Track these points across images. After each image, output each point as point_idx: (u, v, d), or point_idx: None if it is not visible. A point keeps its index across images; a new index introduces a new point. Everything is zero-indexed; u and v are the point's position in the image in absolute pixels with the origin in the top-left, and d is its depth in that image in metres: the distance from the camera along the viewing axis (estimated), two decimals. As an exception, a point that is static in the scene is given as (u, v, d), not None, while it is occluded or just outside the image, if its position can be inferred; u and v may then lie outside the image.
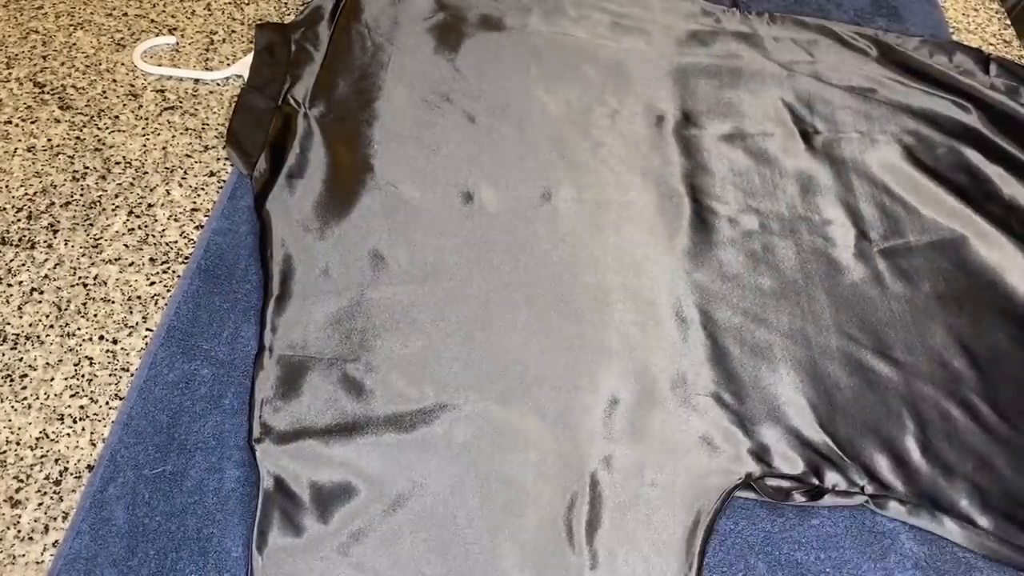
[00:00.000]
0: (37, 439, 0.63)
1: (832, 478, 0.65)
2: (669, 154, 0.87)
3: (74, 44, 0.92)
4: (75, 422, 0.64)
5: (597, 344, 0.71)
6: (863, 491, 0.64)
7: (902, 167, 0.89)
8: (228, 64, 0.93)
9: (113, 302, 0.71)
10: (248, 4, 1.00)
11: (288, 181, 0.79)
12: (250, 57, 0.91)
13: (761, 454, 0.65)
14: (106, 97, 0.87)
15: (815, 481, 0.64)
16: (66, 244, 0.74)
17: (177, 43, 0.94)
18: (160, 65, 0.92)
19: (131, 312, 0.71)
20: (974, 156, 0.91)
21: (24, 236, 0.75)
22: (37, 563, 0.57)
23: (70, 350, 0.68)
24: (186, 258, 0.75)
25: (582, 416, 0.66)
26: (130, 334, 0.69)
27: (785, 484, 0.65)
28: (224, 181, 0.81)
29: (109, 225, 0.76)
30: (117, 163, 0.81)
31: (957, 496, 0.65)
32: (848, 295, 0.77)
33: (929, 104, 0.96)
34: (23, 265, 0.73)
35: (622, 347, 0.71)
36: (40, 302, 0.70)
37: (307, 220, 0.76)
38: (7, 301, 0.70)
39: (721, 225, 0.81)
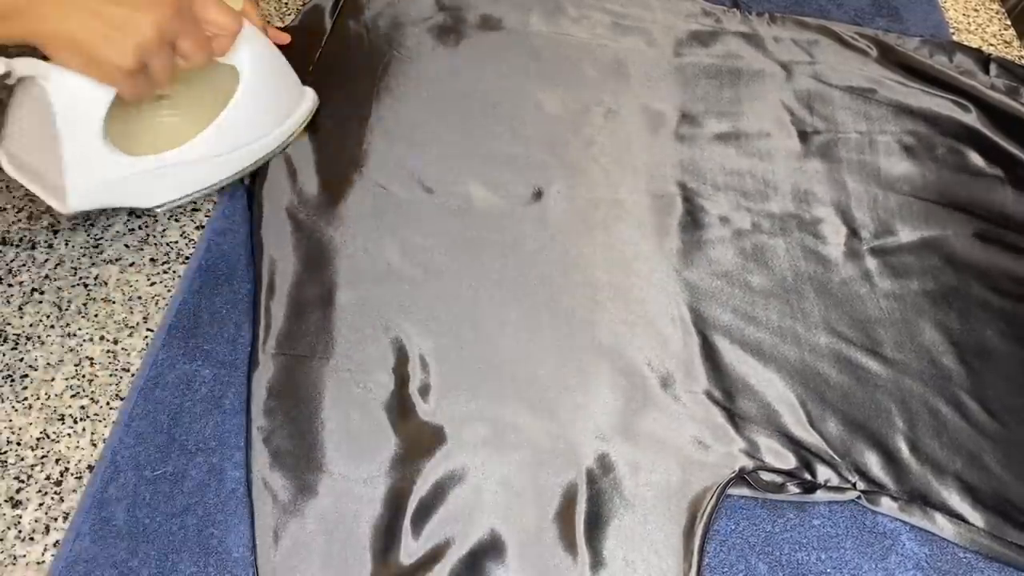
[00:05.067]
0: (38, 439, 0.62)
1: (824, 474, 0.65)
2: (663, 153, 0.88)
3: (74, 44, 0.92)
4: (76, 422, 0.64)
5: (587, 343, 0.71)
6: (855, 487, 0.65)
7: (899, 167, 0.90)
8: (228, 64, 0.92)
9: (114, 302, 0.71)
10: (248, 4, 1.00)
11: (280, 178, 0.79)
12: None
13: (752, 452, 0.66)
14: (106, 97, 0.87)
15: (807, 476, 0.65)
16: (67, 244, 0.74)
17: None
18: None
19: (132, 312, 0.70)
20: (973, 156, 0.91)
21: (24, 236, 0.74)
22: (38, 563, 0.57)
23: (71, 350, 0.67)
24: (187, 258, 0.75)
25: (574, 415, 0.66)
26: (131, 334, 0.69)
27: (778, 478, 0.65)
28: (225, 181, 0.81)
29: (110, 225, 0.76)
30: (117, 163, 0.81)
31: (948, 493, 0.66)
32: (838, 293, 0.78)
33: (929, 104, 0.96)
34: (24, 265, 0.72)
35: (612, 346, 0.71)
36: (41, 302, 0.70)
37: (297, 217, 0.76)
38: (8, 301, 0.70)
39: (712, 224, 0.82)
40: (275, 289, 0.71)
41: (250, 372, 0.66)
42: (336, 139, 0.83)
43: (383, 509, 0.60)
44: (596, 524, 0.61)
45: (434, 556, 0.58)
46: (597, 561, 0.59)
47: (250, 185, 0.79)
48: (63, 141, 0.61)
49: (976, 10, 1.17)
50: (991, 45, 1.11)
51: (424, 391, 0.66)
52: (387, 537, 0.59)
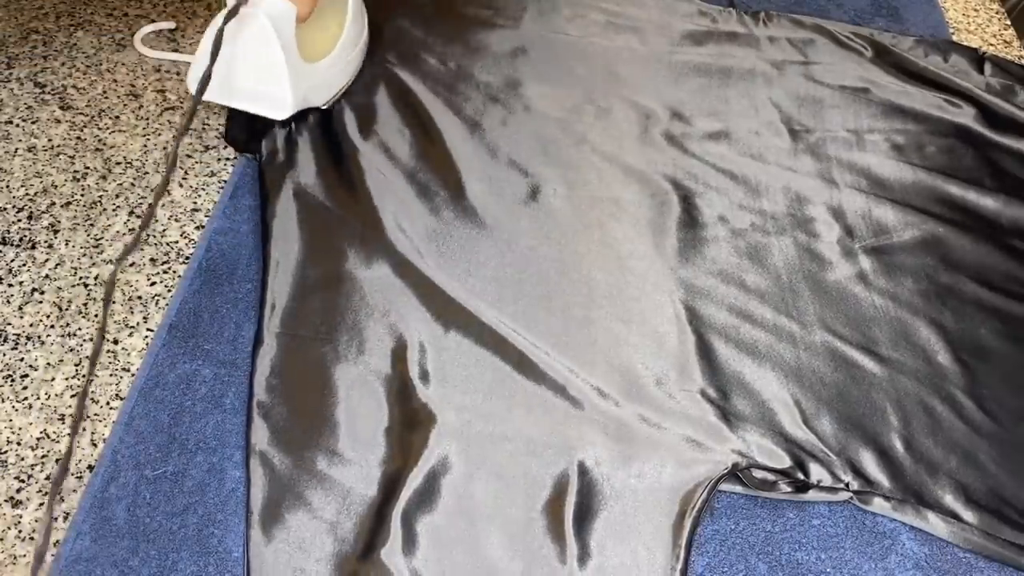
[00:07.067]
0: (38, 439, 0.63)
1: (817, 473, 0.65)
2: (657, 152, 0.88)
3: (75, 44, 0.92)
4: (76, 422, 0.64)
5: (583, 340, 0.71)
6: (848, 487, 0.65)
7: (890, 165, 0.90)
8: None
9: (114, 302, 0.71)
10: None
11: (288, 162, 0.80)
12: None
13: (746, 450, 0.66)
14: (107, 97, 0.87)
15: (800, 476, 0.65)
16: (67, 244, 0.74)
17: (176, 27, 0.95)
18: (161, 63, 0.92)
19: (132, 312, 0.71)
20: (965, 155, 0.92)
21: (25, 236, 0.75)
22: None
23: (71, 350, 0.68)
24: (187, 258, 0.75)
25: (568, 409, 0.67)
26: (131, 334, 0.69)
27: (771, 476, 0.65)
28: (225, 181, 0.81)
29: (110, 225, 0.76)
30: (118, 163, 0.81)
31: (942, 492, 0.66)
32: (833, 292, 0.78)
33: (922, 103, 0.96)
34: (24, 265, 0.73)
35: (607, 343, 0.71)
36: (41, 302, 0.70)
37: (304, 201, 0.77)
38: (8, 301, 0.70)
39: (708, 223, 0.82)
40: (281, 270, 0.72)
41: (255, 349, 0.67)
42: (340, 129, 0.84)
43: (376, 492, 0.61)
44: (585, 516, 0.61)
45: (422, 541, 0.59)
46: (585, 552, 0.59)
47: (260, 168, 0.80)
48: (283, 58, 0.74)
49: (976, 10, 1.17)
50: (991, 45, 1.11)
51: (423, 377, 0.67)
52: (378, 520, 0.59)
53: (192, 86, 0.74)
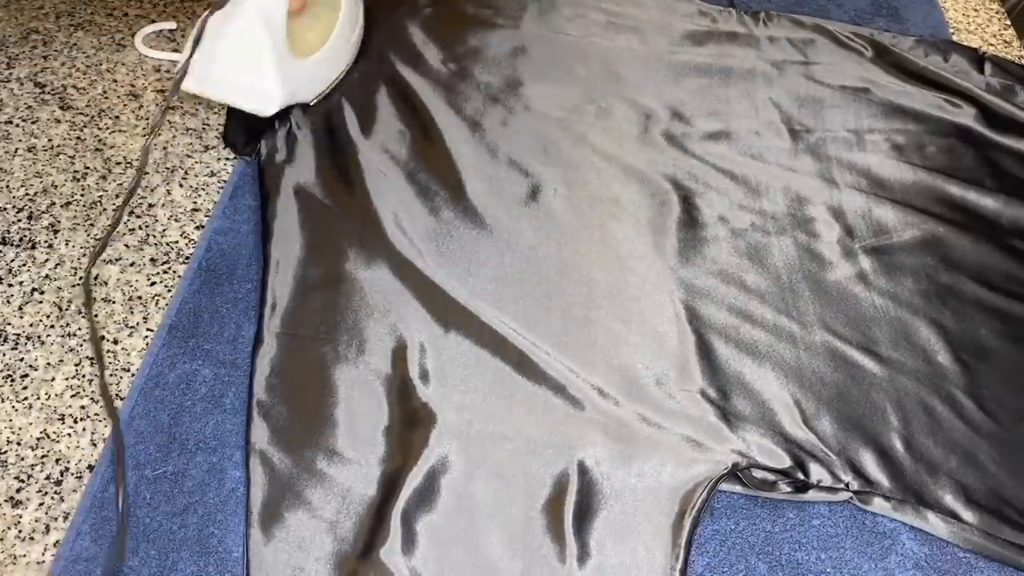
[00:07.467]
0: (38, 439, 0.63)
1: (817, 473, 0.66)
2: (657, 152, 0.88)
3: (75, 44, 0.92)
4: (76, 422, 0.64)
5: (583, 340, 0.71)
6: (848, 487, 0.65)
7: (890, 165, 0.90)
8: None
9: (114, 302, 0.71)
10: (248, 4, 1.00)
11: (289, 161, 0.81)
12: None
13: (746, 450, 0.66)
14: (107, 97, 0.87)
15: (800, 476, 0.65)
16: (67, 244, 0.74)
17: (176, 27, 0.95)
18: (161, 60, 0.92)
19: (132, 312, 0.71)
20: (965, 155, 0.92)
21: (25, 236, 0.75)
22: (38, 563, 0.57)
23: (71, 350, 0.68)
24: (187, 258, 0.75)
25: (568, 409, 0.67)
26: (131, 334, 0.69)
27: (770, 476, 0.65)
28: (225, 181, 0.81)
29: (110, 225, 0.76)
30: (118, 163, 0.81)
31: (942, 491, 0.66)
32: (833, 292, 0.78)
33: (922, 103, 0.96)
34: (24, 265, 0.73)
35: (608, 343, 0.71)
36: (41, 302, 0.70)
37: (304, 199, 0.78)
38: (8, 301, 0.70)
39: (708, 223, 0.82)
40: (281, 269, 0.72)
41: (255, 349, 0.67)
42: (340, 128, 0.84)
43: (376, 491, 0.61)
44: (585, 515, 0.61)
45: (422, 540, 0.59)
46: (585, 552, 0.60)
47: (259, 168, 0.80)
48: (271, 51, 0.73)
49: (976, 10, 1.17)
50: (991, 45, 1.11)
51: (423, 376, 0.67)
52: (377, 519, 0.59)
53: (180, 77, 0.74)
